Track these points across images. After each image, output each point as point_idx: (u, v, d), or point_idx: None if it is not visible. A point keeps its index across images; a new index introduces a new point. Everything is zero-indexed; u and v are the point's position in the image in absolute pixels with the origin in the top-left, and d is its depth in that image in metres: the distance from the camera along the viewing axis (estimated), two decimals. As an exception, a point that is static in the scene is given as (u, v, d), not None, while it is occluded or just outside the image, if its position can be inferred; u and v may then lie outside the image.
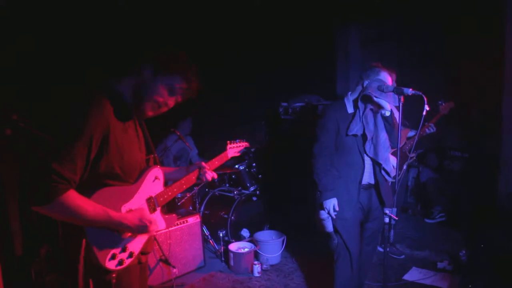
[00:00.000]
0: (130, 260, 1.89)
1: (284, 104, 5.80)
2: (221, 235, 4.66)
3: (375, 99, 2.95)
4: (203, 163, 2.39)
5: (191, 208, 5.01)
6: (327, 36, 6.19)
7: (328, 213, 3.20)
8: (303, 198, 5.01)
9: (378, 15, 5.51)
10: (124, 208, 1.88)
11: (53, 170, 1.60)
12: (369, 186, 3.23)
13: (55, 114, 3.42)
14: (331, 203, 3.15)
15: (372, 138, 3.10)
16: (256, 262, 4.31)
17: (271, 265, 4.49)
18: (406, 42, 6.07)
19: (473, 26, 5.09)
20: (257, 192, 5.33)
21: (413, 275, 4.18)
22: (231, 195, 5.06)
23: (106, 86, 1.89)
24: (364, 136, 3.11)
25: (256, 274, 4.26)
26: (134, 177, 1.96)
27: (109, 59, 4.04)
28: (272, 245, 4.57)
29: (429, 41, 5.86)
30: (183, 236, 4.26)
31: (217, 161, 2.63)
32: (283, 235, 4.65)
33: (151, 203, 2.04)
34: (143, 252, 2.02)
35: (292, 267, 4.51)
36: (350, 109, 3.17)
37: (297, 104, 5.66)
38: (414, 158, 4.63)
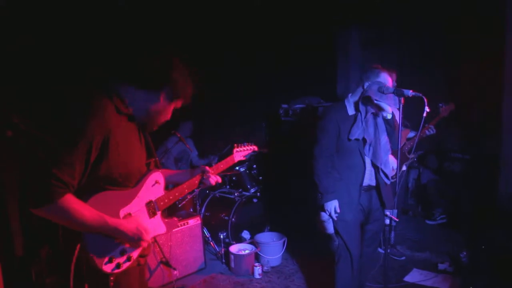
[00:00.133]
0: (127, 264, 1.88)
1: (285, 105, 5.81)
2: (221, 237, 4.66)
3: (375, 101, 2.95)
4: (207, 167, 2.34)
5: (191, 210, 5.00)
6: (328, 37, 6.19)
7: (329, 215, 3.20)
8: (304, 199, 5.02)
9: (378, 15, 5.51)
10: (123, 212, 1.86)
11: (52, 174, 1.60)
12: (369, 188, 3.23)
13: (55, 116, 3.43)
14: (332, 205, 3.16)
15: (371, 142, 3.10)
16: (256, 264, 4.30)
17: (272, 267, 4.48)
18: (406, 42, 6.07)
19: (473, 26, 5.09)
20: (258, 194, 5.32)
21: (414, 276, 4.17)
22: (232, 197, 5.06)
23: (108, 88, 1.88)
24: (364, 139, 3.11)
25: (257, 276, 4.25)
26: (134, 181, 1.94)
27: (108, 61, 4.04)
28: (272, 247, 4.56)
29: (429, 42, 5.86)
30: (184, 238, 4.25)
31: (223, 165, 2.56)
32: (284, 237, 4.65)
33: (151, 207, 2.02)
34: (141, 255, 2.00)
35: (293, 268, 4.50)
36: (351, 111, 3.17)
37: (298, 106, 5.67)
38: (414, 159, 4.63)
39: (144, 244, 1.92)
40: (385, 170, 3.15)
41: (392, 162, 3.29)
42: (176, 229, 4.17)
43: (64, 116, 1.77)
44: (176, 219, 2.23)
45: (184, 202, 4.81)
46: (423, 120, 2.62)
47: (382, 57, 5.95)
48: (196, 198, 4.92)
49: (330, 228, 3.32)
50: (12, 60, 3.63)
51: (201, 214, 4.90)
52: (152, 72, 1.85)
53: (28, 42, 3.77)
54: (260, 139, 6.41)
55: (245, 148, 2.78)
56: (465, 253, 4.22)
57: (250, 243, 4.65)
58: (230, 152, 2.73)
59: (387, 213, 2.73)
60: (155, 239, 3.82)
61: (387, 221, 2.73)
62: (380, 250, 4.33)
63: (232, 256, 4.38)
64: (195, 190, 4.76)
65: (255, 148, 2.84)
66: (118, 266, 1.83)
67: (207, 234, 4.84)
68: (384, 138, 3.13)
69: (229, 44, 6.17)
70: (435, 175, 5.94)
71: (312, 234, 5.04)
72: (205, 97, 2.05)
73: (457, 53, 5.55)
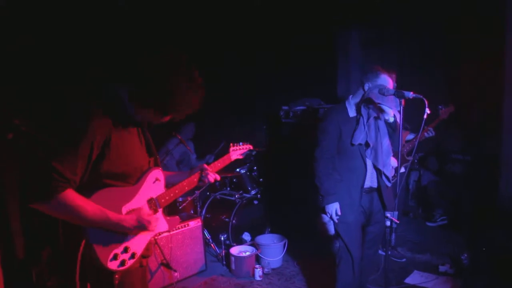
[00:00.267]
0: (132, 261, 1.90)
1: (285, 107, 5.81)
2: (222, 238, 4.65)
3: (379, 105, 2.95)
4: (205, 165, 2.36)
5: (192, 211, 5.00)
6: (328, 37, 6.19)
7: (331, 217, 3.20)
8: (305, 201, 5.02)
9: (378, 15, 5.51)
10: (125, 209, 1.88)
11: (54, 169, 1.62)
12: (370, 189, 3.23)
13: (56, 116, 3.44)
14: (334, 207, 3.15)
15: (373, 145, 3.10)
16: (257, 265, 4.30)
17: (273, 269, 4.47)
18: (406, 42, 6.07)
19: (473, 26, 5.09)
20: (258, 195, 5.32)
21: (414, 278, 4.16)
22: (232, 198, 5.06)
23: (108, 89, 1.89)
24: (367, 143, 3.11)
25: (258, 278, 4.24)
26: (135, 178, 1.96)
27: (108, 61, 4.04)
28: (273, 248, 4.56)
29: (429, 42, 5.86)
30: (185, 239, 4.25)
31: (220, 164, 2.58)
32: (285, 239, 4.64)
33: (152, 204, 2.04)
34: (144, 256, 2.02)
35: (294, 270, 4.50)
36: (352, 113, 3.17)
37: (298, 108, 5.66)
38: (415, 161, 4.63)
39: (152, 229, 1.93)
40: (386, 173, 3.15)
41: (392, 162, 3.29)
42: (176, 231, 4.17)
43: (65, 116, 1.79)
44: (177, 217, 2.24)
45: (184, 204, 4.80)
46: (423, 122, 2.62)
47: (382, 57, 5.95)
48: (197, 200, 4.92)
49: (332, 230, 3.32)
50: (12, 60, 3.63)
51: (202, 216, 4.89)
52: (154, 91, 1.83)
53: (28, 42, 3.77)
54: (260, 141, 6.40)
55: (241, 147, 2.81)
56: (466, 255, 4.21)
57: (250, 245, 4.65)
58: (226, 151, 2.78)
59: (388, 215, 2.72)
60: (155, 241, 3.84)
61: (388, 223, 2.73)
62: (380, 252, 4.33)
63: (232, 258, 4.37)
64: (196, 192, 4.76)
65: (251, 147, 2.88)
66: (123, 263, 1.84)
67: (207, 236, 4.84)
68: (386, 142, 3.13)
69: (229, 44, 6.17)
70: (436, 176, 5.93)
71: (313, 236, 5.04)
72: (205, 98, 2.04)
73: (457, 53, 5.55)
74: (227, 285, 4.20)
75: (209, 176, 2.32)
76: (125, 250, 1.87)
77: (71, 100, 1.79)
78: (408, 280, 4.13)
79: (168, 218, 2.16)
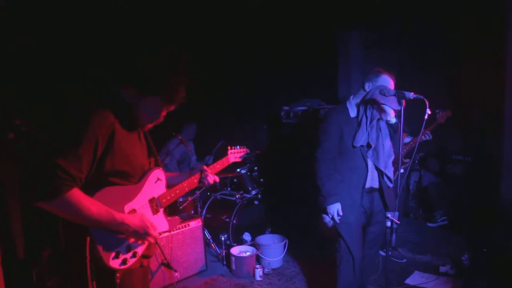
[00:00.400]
0: (133, 260, 1.90)
1: (286, 108, 5.81)
2: (223, 238, 4.65)
3: (382, 105, 2.95)
4: (205, 167, 2.40)
5: (192, 212, 5.01)
6: (328, 37, 6.19)
7: (332, 218, 3.19)
8: (305, 202, 5.01)
9: (378, 15, 5.51)
10: (127, 208, 1.89)
11: (60, 167, 1.61)
12: (371, 190, 3.22)
13: (57, 115, 3.44)
14: (335, 208, 3.15)
15: (375, 147, 3.10)
16: (258, 266, 4.30)
17: (273, 269, 4.47)
18: (406, 43, 6.07)
19: (473, 26, 5.09)
20: (259, 196, 5.32)
21: (415, 279, 4.16)
22: (233, 198, 5.06)
23: (109, 89, 1.90)
24: (369, 144, 3.11)
25: (258, 278, 4.25)
26: (137, 177, 1.97)
27: (108, 61, 4.05)
28: (274, 249, 4.56)
29: (430, 42, 5.86)
30: (185, 239, 4.25)
31: (218, 165, 2.66)
32: (285, 239, 4.64)
33: (154, 204, 2.05)
34: (145, 256, 2.02)
35: (294, 271, 4.50)
36: (353, 113, 3.17)
37: (299, 108, 5.66)
38: (413, 162, 4.63)
39: (151, 239, 1.93)
40: (388, 174, 3.15)
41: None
42: (177, 231, 4.17)
43: (65, 116, 1.79)
44: (178, 217, 2.25)
45: (185, 204, 4.81)
46: (424, 123, 2.62)
47: (382, 58, 5.95)
48: (197, 200, 4.93)
49: (332, 230, 3.33)
50: (12, 60, 3.64)
51: (202, 216, 4.90)
52: (150, 76, 1.85)
53: (28, 42, 3.78)
54: (261, 141, 6.40)
55: (238, 151, 2.93)
56: (466, 256, 4.21)
57: (251, 245, 4.65)
58: (224, 150, 2.89)
59: (389, 215, 2.72)
60: (156, 241, 3.84)
61: (389, 224, 2.73)
62: (381, 252, 4.33)
63: (233, 258, 4.38)
64: (196, 192, 4.77)
65: (247, 150, 2.99)
66: (124, 262, 1.85)
67: (208, 236, 4.84)
68: (387, 143, 3.13)
69: (229, 44, 6.17)
70: (436, 177, 5.93)
71: (313, 237, 5.03)
72: (205, 98, 2.04)
73: (457, 53, 5.55)
74: (227, 285, 4.20)
75: (208, 178, 2.37)
76: (127, 249, 1.87)
77: (71, 100, 1.78)
78: (409, 281, 4.12)
79: (168, 218, 2.17)
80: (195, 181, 2.35)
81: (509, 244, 3.77)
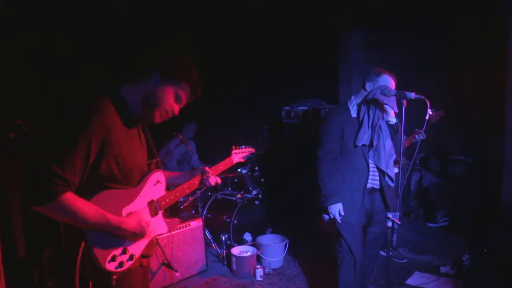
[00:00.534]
0: (130, 262, 1.89)
1: (287, 108, 5.81)
2: (223, 238, 4.66)
3: (385, 106, 2.94)
4: (207, 168, 2.37)
5: (193, 211, 5.01)
6: (329, 38, 6.19)
7: (334, 218, 3.19)
8: (306, 202, 5.02)
9: (378, 15, 5.51)
10: (125, 211, 1.88)
11: (53, 171, 1.61)
12: (372, 190, 3.22)
13: (55, 116, 3.44)
14: (337, 208, 3.15)
15: (376, 146, 3.09)
16: (258, 266, 4.30)
17: (274, 269, 4.47)
18: (406, 43, 6.07)
19: (474, 27, 5.08)
20: (260, 196, 5.32)
21: (415, 279, 4.16)
22: (234, 198, 5.06)
23: (109, 89, 1.88)
24: (371, 144, 3.10)
25: (259, 278, 4.25)
26: (136, 180, 1.96)
27: (110, 61, 4.05)
28: (274, 249, 4.56)
29: (430, 42, 5.85)
30: (186, 239, 4.25)
31: (221, 166, 2.60)
32: (286, 239, 4.64)
33: (153, 206, 2.03)
34: (144, 256, 2.01)
35: (295, 271, 4.50)
36: (354, 113, 3.17)
37: (300, 108, 5.66)
38: (414, 162, 4.62)
39: (150, 234, 1.94)
40: (390, 173, 3.14)
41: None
42: (177, 231, 4.17)
43: (65, 117, 1.78)
44: (177, 219, 2.24)
45: (186, 204, 4.81)
46: (425, 123, 2.62)
47: (383, 58, 5.96)
48: (198, 200, 4.93)
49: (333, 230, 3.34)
50: (12, 60, 3.64)
51: (203, 216, 4.90)
52: (152, 89, 1.86)
53: (28, 42, 3.78)
54: (261, 141, 6.40)
55: (243, 151, 2.84)
56: (467, 256, 4.20)
57: (252, 245, 4.65)
58: (227, 153, 2.80)
59: (390, 215, 2.73)
60: (157, 241, 3.84)
61: (389, 224, 2.73)
62: (382, 252, 4.32)
63: (233, 258, 4.38)
64: (197, 192, 4.77)
65: (253, 150, 2.90)
66: (121, 264, 1.84)
67: (209, 236, 4.84)
68: (388, 143, 3.12)
69: (229, 44, 6.17)
70: (437, 177, 5.92)
71: (314, 237, 5.03)
72: (205, 98, 2.04)
73: (458, 53, 5.54)
74: (228, 285, 4.20)
75: (210, 180, 2.34)
76: (124, 252, 1.86)
77: (71, 100, 1.78)
78: (409, 281, 4.12)
79: (167, 220, 2.16)
80: (196, 182, 2.32)
81: (509, 245, 3.77)
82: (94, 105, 1.76)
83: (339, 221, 3.19)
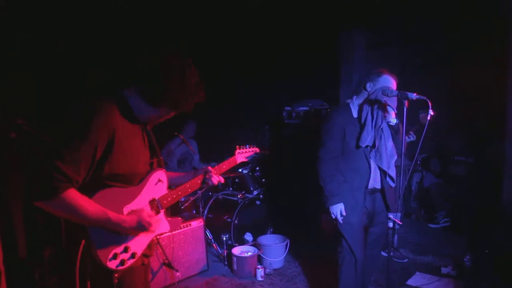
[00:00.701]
0: (132, 261, 1.90)
1: (288, 108, 5.81)
2: (224, 238, 4.65)
3: (388, 107, 2.94)
4: (210, 168, 2.37)
5: (194, 211, 5.01)
6: (330, 39, 6.18)
7: (335, 218, 3.19)
8: (307, 202, 5.01)
9: (378, 15, 5.50)
10: (126, 209, 1.88)
11: (57, 168, 1.63)
12: (374, 190, 3.21)
13: (57, 116, 3.44)
14: (338, 208, 3.14)
15: (378, 147, 3.09)
16: (259, 266, 4.30)
17: (274, 269, 4.47)
18: (407, 43, 6.07)
19: (474, 27, 5.07)
20: (261, 196, 5.32)
21: (416, 280, 4.16)
22: (235, 199, 5.06)
23: (112, 90, 1.89)
24: (374, 144, 3.10)
25: (259, 278, 4.25)
26: (138, 179, 1.97)
27: (108, 61, 4.04)
28: (275, 249, 4.56)
29: (430, 42, 5.85)
30: (187, 239, 4.25)
31: (225, 166, 2.59)
32: (287, 239, 4.64)
33: (154, 205, 2.04)
34: (145, 255, 2.02)
35: (296, 271, 4.50)
36: (355, 114, 3.16)
37: (301, 108, 5.66)
38: (415, 162, 4.61)
39: (152, 231, 1.94)
40: (391, 174, 3.14)
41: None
42: (178, 231, 4.17)
43: (69, 117, 1.78)
44: (180, 218, 2.24)
45: (187, 204, 4.81)
46: (427, 124, 2.62)
47: (383, 58, 5.95)
48: (199, 200, 4.93)
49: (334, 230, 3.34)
50: (12, 60, 3.64)
51: (204, 216, 4.90)
52: (152, 86, 1.84)
53: (28, 42, 3.78)
54: (263, 142, 6.40)
55: (247, 150, 2.83)
56: (468, 257, 4.20)
57: (252, 245, 4.65)
58: (230, 153, 2.78)
59: (391, 216, 2.72)
60: (157, 241, 3.84)
61: (391, 225, 2.73)
62: (383, 253, 4.32)
63: (234, 258, 4.38)
64: (198, 192, 4.77)
65: (257, 150, 2.88)
66: (122, 263, 1.85)
67: (209, 236, 4.84)
68: (390, 143, 3.12)
69: (229, 44, 6.17)
70: (438, 178, 5.92)
71: (315, 237, 5.03)
72: (206, 99, 2.04)
73: (458, 53, 5.54)
74: (228, 285, 4.20)
75: (212, 179, 2.33)
76: (125, 250, 1.87)
77: (72, 101, 1.79)
78: (410, 282, 4.12)
79: (170, 219, 2.16)
80: (198, 182, 2.33)
81: (510, 245, 3.76)
82: (97, 105, 1.78)
83: (341, 222, 3.19)
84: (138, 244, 1.94)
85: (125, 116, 1.86)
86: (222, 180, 2.40)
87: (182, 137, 5.40)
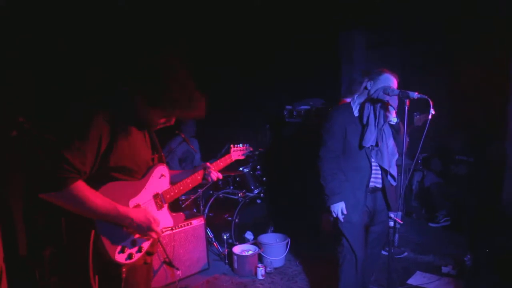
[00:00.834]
0: (139, 255, 1.92)
1: (289, 107, 5.81)
2: (225, 237, 4.66)
3: (390, 107, 2.95)
4: (208, 164, 2.42)
5: (195, 210, 5.01)
6: (331, 38, 6.19)
7: (336, 217, 3.19)
8: (308, 201, 5.02)
9: (378, 15, 5.51)
10: (132, 203, 1.91)
11: (65, 159, 1.64)
12: (375, 189, 3.22)
13: (59, 116, 3.45)
14: (339, 207, 3.15)
15: (379, 147, 3.09)
16: (260, 265, 4.30)
17: (275, 268, 4.48)
18: (407, 43, 6.07)
19: (474, 27, 5.08)
20: (261, 194, 5.33)
21: (417, 279, 4.16)
22: (235, 197, 5.06)
23: (108, 88, 1.91)
24: (377, 143, 3.10)
25: (260, 277, 4.25)
26: (141, 173, 1.99)
27: (109, 61, 4.05)
28: (276, 247, 4.56)
29: (430, 42, 5.85)
30: (187, 238, 4.26)
31: (221, 163, 2.68)
32: (287, 238, 4.64)
33: (158, 199, 2.07)
34: (148, 253, 2.03)
35: (296, 270, 4.50)
36: (357, 113, 3.17)
37: (302, 107, 5.67)
38: (416, 162, 4.62)
39: (154, 235, 1.94)
40: (393, 173, 3.15)
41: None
42: (179, 229, 4.18)
43: (68, 115, 1.80)
44: (182, 213, 2.27)
45: (187, 203, 4.82)
46: (428, 123, 2.62)
47: (383, 58, 5.96)
48: (200, 199, 4.93)
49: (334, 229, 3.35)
50: (12, 60, 3.64)
51: (205, 215, 4.90)
52: (152, 86, 1.83)
53: (28, 42, 3.79)
54: (263, 141, 6.41)
55: (241, 148, 2.96)
56: (468, 256, 4.20)
57: (253, 244, 4.65)
58: (228, 152, 2.92)
59: (392, 215, 2.73)
60: (158, 239, 3.85)
61: (391, 224, 2.74)
62: (383, 252, 4.32)
63: (235, 257, 4.38)
64: (199, 190, 4.77)
65: (250, 148, 3.01)
66: (130, 256, 1.87)
67: (210, 234, 4.85)
68: (391, 143, 3.12)
69: (229, 43, 6.17)
70: (439, 177, 5.93)
71: (315, 236, 5.04)
72: (206, 99, 2.05)
73: (458, 53, 5.55)
74: (229, 284, 4.21)
75: (212, 175, 2.38)
76: (133, 243, 1.89)
77: (72, 101, 1.81)
78: (411, 281, 4.12)
79: (173, 214, 2.19)
80: (199, 177, 2.36)
81: (510, 245, 3.77)
82: (98, 101, 1.80)
83: (342, 220, 3.20)
84: (144, 236, 1.95)
85: (125, 113, 1.88)
86: (221, 177, 2.45)
87: (183, 136, 5.40)
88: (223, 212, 4.93)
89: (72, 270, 1.88)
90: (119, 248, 1.82)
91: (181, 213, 2.25)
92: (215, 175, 2.40)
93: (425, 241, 5.14)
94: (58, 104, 3.64)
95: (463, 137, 5.77)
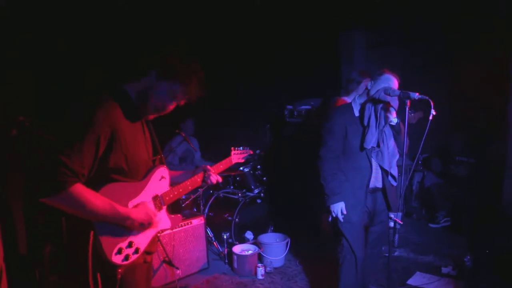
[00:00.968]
0: (136, 256, 1.91)
1: (290, 107, 5.81)
2: (225, 237, 4.66)
3: (391, 108, 2.95)
4: (208, 166, 2.42)
5: (195, 209, 5.01)
6: (331, 38, 6.19)
7: (336, 216, 3.19)
8: (308, 201, 5.01)
9: (378, 15, 5.51)
10: (131, 204, 1.91)
11: (62, 163, 1.64)
12: (375, 189, 3.22)
13: (58, 115, 3.45)
14: (339, 207, 3.15)
15: (380, 147, 3.09)
16: (259, 264, 4.30)
17: (275, 268, 4.47)
18: (407, 43, 6.07)
19: (474, 27, 5.08)
20: (262, 194, 5.33)
21: (417, 279, 4.16)
22: (236, 197, 5.06)
23: (112, 86, 1.91)
24: (378, 144, 3.10)
25: (260, 277, 4.25)
26: (141, 174, 1.99)
27: (109, 61, 4.05)
28: (276, 247, 4.56)
29: (431, 43, 5.85)
30: (187, 237, 4.26)
31: (222, 165, 2.67)
32: (287, 238, 4.64)
33: (157, 201, 2.07)
34: (148, 252, 2.03)
35: (296, 270, 4.50)
36: (357, 113, 3.17)
37: (303, 107, 5.66)
38: (417, 162, 4.62)
39: (157, 225, 1.97)
40: (393, 173, 3.15)
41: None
42: (179, 229, 4.18)
43: (72, 113, 1.80)
44: (180, 215, 2.28)
45: (187, 202, 4.82)
46: (429, 123, 2.62)
47: (383, 58, 5.95)
48: (200, 198, 4.93)
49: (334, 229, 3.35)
50: (12, 60, 3.64)
51: (205, 214, 4.90)
52: (171, 60, 1.89)
53: (28, 42, 3.79)
54: (263, 141, 6.40)
55: (241, 151, 2.94)
56: (468, 257, 4.20)
57: (253, 243, 4.65)
58: (228, 153, 2.90)
59: (392, 216, 2.73)
60: (158, 238, 3.85)
61: (392, 224, 2.73)
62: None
63: (235, 257, 4.38)
64: (199, 190, 4.78)
65: (250, 152, 3.00)
66: (127, 257, 1.87)
67: (210, 234, 4.85)
68: (391, 143, 3.12)
69: (230, 43, 6.17)
70: (439, 178, 5.93)
71: (315, 236, 5.04)
72: (207, 98, 2.06)
73: (458, 53, 5.55)
74: (229, 284, 4.21)
75: (211, 177, 2.38)
76: (129, 244, 1.89)
77: (72, 100, 1.81)
78: (411, 281, 4.12)
79: (171, 216, 2.19)
80: (199, 180, 2.36)
81: (511, 245, 3.77)
82: (98, 103, 1.80)
83: (341, 220, 3.20)
84: (142, 239, 1.96)
85: (126, 111, 1.88)
86: (220, 180, 2.45)
87: (183, 135, 5.41)
88: (223, 212, 4.93)
89: (72, 269, 1.88)
90: (116, 249, 1.82)
91: (179, 215, 2.26)
92: (215, 178, 2.40)
93: (425, 241, 5.14)
94: (58, 104, 3.64)
95: (463, 137, 5.77)
